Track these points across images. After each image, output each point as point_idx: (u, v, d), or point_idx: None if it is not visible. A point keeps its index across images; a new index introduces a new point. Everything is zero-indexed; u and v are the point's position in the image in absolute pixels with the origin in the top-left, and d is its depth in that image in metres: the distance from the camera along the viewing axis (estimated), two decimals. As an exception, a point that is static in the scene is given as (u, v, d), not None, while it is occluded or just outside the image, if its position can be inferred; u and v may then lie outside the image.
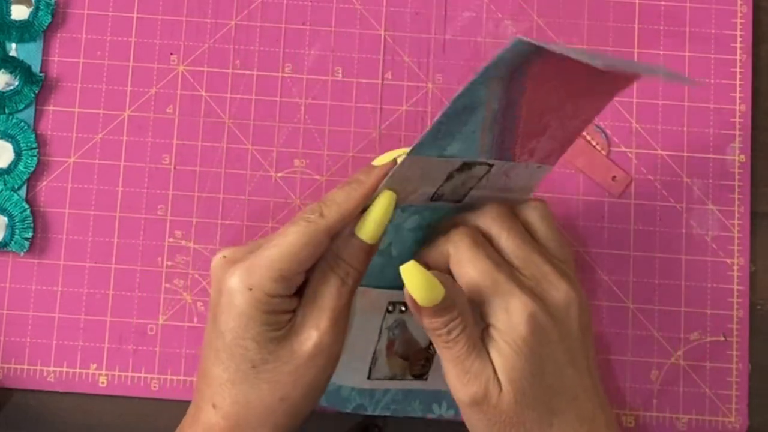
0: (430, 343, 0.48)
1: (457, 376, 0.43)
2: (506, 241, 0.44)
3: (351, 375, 0.49)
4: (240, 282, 0.43)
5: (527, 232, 0.46)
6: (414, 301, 0.42)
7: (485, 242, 0.44)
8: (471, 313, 0.43)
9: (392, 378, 0.49)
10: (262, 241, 0.44)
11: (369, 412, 0.52)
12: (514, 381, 0.42)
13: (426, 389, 0.51)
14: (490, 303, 0.43)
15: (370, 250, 0.44)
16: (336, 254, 0.44)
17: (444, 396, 0.52)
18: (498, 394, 0.42)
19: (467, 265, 0.43)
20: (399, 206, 0.44)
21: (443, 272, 0.44)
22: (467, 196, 0.46)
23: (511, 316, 0.42)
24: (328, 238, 0.43)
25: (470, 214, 0.45)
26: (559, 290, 0.43)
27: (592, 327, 0.46)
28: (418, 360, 0.49)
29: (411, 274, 0.42)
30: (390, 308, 0.48)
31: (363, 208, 0.44)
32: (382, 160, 0.45)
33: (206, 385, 0.44)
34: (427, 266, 0.43)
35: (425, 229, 0.47)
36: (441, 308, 0.42)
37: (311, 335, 0.43)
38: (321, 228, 0.43)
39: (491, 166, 0.44)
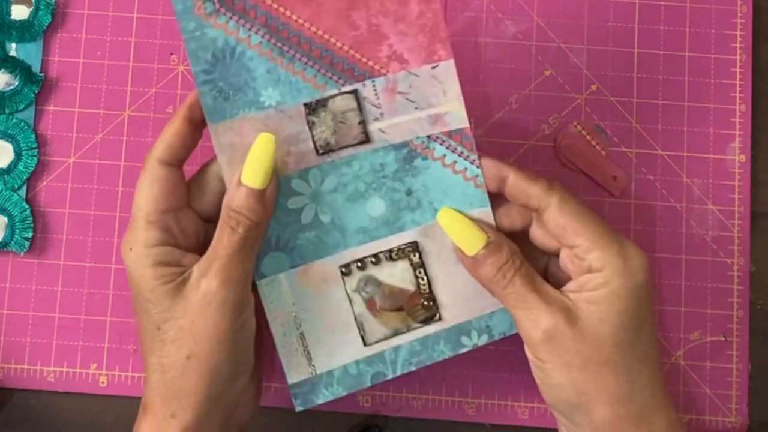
0: (420, 284, 0.48)
1: (525, 316, 0.44)
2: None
3: (345, 350, 0.48)
4: (124, 249, 0.45)
5: None
6: (463, 254, 0.44)
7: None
8: (520, 254, 0.45)
9: (395, 334, 0.48)
10: None
11: (390, 376, 0.49)
12: (610, 318, 0.43)
13: (447, 328, 0.49)
14: (602, 249, 0.43)
15: (260, 195, 0.44)
16: (227, 206, 0.45)
17: (471, 325, 0.48)
18: (576, 323, 0.43)
19: (578, 214, 0.44)
20: (284, 174, 0.46)
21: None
22: (371, 132, 0.46)
23: (628, 262, 0.43)
24: (168, 169, 0.45)
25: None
26: (638, 252, 0.45)
27: None
28: (415, 305, 0.48)
29: (450, 223, 0.45)
30: (344, 270, 0.47)
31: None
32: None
33: (144, 359, 0.45)
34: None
35: (356, 183, 0.47)
36: (489, 253, 0.44)
37: (200, 284, 0.44)
38: (153, 160, 0.45)
39: (354, 92, 0.45)
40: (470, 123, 0.46)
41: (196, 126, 0.46)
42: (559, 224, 0.44)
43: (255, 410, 0.48)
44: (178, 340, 0.44)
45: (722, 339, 0.55)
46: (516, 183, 0.45)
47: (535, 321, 0.43)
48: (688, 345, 0.55)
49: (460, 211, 0.46)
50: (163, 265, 0.44)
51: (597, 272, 0.43)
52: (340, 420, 0.54)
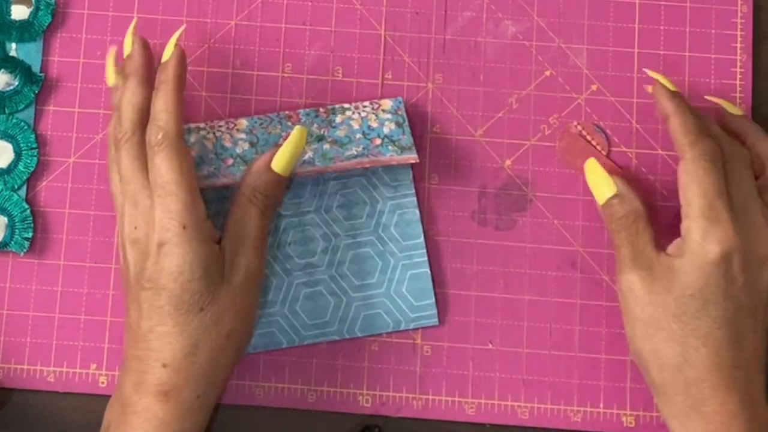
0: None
1: (618, 263, 0.49)
2: (740, 176, 0.48)
3: None
4: (171, 226, 0.45)
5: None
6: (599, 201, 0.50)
7: (721, 167, 0.47)
8: (643, 219, 0.48)
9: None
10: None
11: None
12: (674, 288, 0.46)
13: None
14: (692, 220, 0.46)
15: (284, 181, 0.50)
16: (253, 187, 0.48)
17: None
18: (649, 288, 0.47)
19: (695, 179, 0.46)
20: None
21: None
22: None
23: (705, 241, 0.45)
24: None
25: (753, 132, 0.51)
26: (762, 245, 0.46)
27: None
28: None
29: (590, 171, 0.50)
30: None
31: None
32: (167, 51, 0.50)
33: (147, 349, 0.46)
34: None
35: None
36: (611, 204, 0.49)
37: (241, 263, 0.47)
38: (176, 138, 0.47)
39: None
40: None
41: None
42: (680, 181, 0.47)
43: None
44: (219, 321, 0.46)
45: (722, 339, 0.55)
46: (672, 125, 0.49)
47: (620, 271, 0.48)
48: (688, 345, 0.55)
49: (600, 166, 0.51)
50: (212, 242, 0.46)
51: (685, 239, 0.46)
52: (340, 420, 0.54)
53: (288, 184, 0.54)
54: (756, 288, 0.46)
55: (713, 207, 0.45)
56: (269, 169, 0.49)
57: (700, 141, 0.47)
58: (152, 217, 0.46)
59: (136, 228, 0.47)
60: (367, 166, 0.51)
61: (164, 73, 0.49)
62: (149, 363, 0.45)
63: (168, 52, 0.50)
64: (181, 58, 0.49)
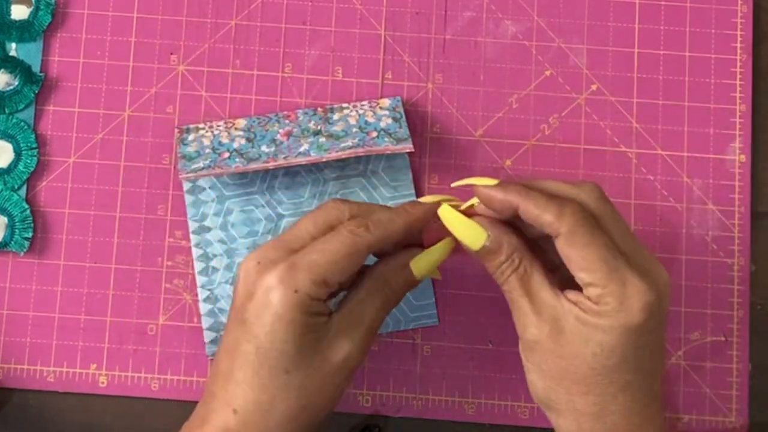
0: None
1: (516, 318, 0.45)
2: (613, 223, 0.44)
3: None
4: (281, 283, 0.43)
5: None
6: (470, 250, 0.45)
7: (597, 225, 0.43)
8: (528, 257, 0.45)
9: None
10: (294, 245, 0.45)
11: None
12: (592, 345, 0.43)
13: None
14: (603, 287, 0.42)
15: (414, 284, 0.47)
16: (385, 278, 0.46)
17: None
18: (560, 337, 0.43)
19: (585, 248, 0.42)
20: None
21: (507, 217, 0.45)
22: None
23: (626, 303, 0.42)
24: (367, 254, 0.45)
25: (571, 188, 0.45)
26: (661, 275, 0.44)
27: None
28: None
29: (450, 219, 0.46)
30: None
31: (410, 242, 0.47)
32: (428, 199, 0.48)
33: (224, 389, 0.44)
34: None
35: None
36: (488, 251, 0.45)
37: (344, 346, 0.44)
38: (365, 243, 0.45)
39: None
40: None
41: (398, 243, 0.47)
42: (564, 255, 0.43)
43: None
44: (303, 390, 0.44)
45: (722, 339, 0.55)
46: (528, 210, 0.43)
47: (523, 326, 0.44)
48: (688, 345, 0.55)
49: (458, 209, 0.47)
50: (316, 315, 0.44)
51: (594, 305, 0.42)
52: (340, 420, 0.54)
53: (289, 185, 0.54)
54: (664, 320, 0.44)
55: (617, 269, 0.42)
56: (407, 266, 0.47)
57: (562, 209, 0.43)
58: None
59: (259, 263, 0.45)
60: (362, 155, 0.51)
61: (413, 206, 0.47)
62: (220, 403, 0.44)
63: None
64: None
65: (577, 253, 0.42)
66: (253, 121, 0.55)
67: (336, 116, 0.54)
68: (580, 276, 0.43)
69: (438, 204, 0.47)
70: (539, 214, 0.43)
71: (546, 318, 0.44)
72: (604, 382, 0.43)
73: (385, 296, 0.46)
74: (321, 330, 0.44)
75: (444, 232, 0.47)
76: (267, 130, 0.54)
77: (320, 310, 0.44)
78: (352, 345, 0.45)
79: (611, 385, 0.43)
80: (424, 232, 0.48)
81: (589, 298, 0.43)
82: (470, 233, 0.45)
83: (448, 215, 0.46)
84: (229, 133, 0.54)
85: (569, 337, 0.43)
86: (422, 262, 0.47)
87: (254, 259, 0.44)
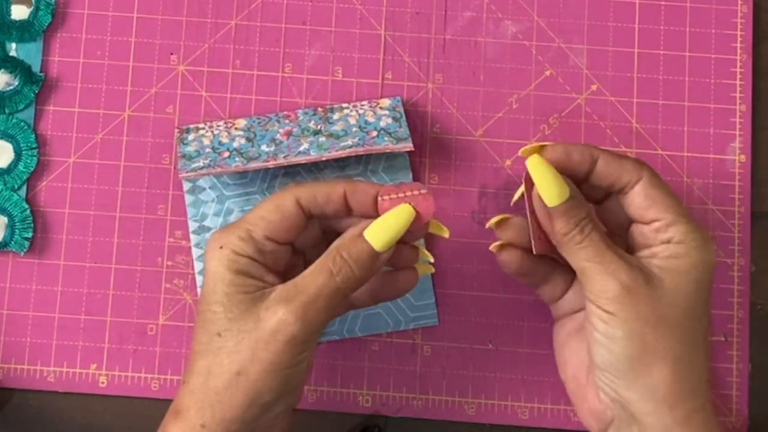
0: None
1: (602, 269, 0.44)
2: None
3: None
4: (212, 243, 0.44)
5: None
6: (544, 209, 0.45)
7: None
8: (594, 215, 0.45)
9: None
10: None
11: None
12: (686, 285, 0.44)
13: None
14: (687, 224, 0.45)
15: (376, 257, 0.44)
16: (337, 247, 0.44)
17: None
18: (651, 283, 0.44)
19: (666, 190, 0.45)
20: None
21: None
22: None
23: (707, 240, 0.45)
24: (299, 212, 0.45)
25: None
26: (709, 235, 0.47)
27: None
28: None
29: (539, 170, 0.44)
30: None
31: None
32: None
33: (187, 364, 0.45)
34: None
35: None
36: (571, 206, 0.44)
37: (278, 310, 0.43)
38: (292, 194, 0.45)
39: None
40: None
41: (347, 207, 0.46)
42: (649, 196, 0.45)
43: None
44: (234, 354, 0.43)
45: (722, 339, 0.55)
46: (609, 160, 0.45)
47: (613, 274, 0.44)
48: (688, 345, 0.55)
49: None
50: (246, 276, 0.44)
51: (677, 244, 0.44)
52: (340, 420, 0.54)
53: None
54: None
55: (691, 219, 0.45)
56: (362, 237, 0.44)
57: (638, 163, 0.46)
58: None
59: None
60: (362, 153, 0.51)
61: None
62: (183, 379, 0.45)
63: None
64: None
65: (661, 194, 0.45)
66: (253, 121, 0.55)
67: (336, 116, 0.54)
68: (665, 216, 0.45)
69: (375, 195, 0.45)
70: (622, 163, 0.45)
71: (635, 266, 0.44)
72: (697, 327, 0.45)
73: (336, 266, 0.43)
74: (256, 293, 0.43)
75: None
76: (267, 130, 0.54)
77: (251, 271, 0.44)
78: (287, 311, 0.42)
79: (700, 331, 0.45)
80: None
81: (669, 242, 0.44)
82: (558, 185, 0.44)
83: (539, 165, 0.45)
84: (229, 133, 0.54)
85: (660, 284, 0.44)
86: (377, 230, 0.44)
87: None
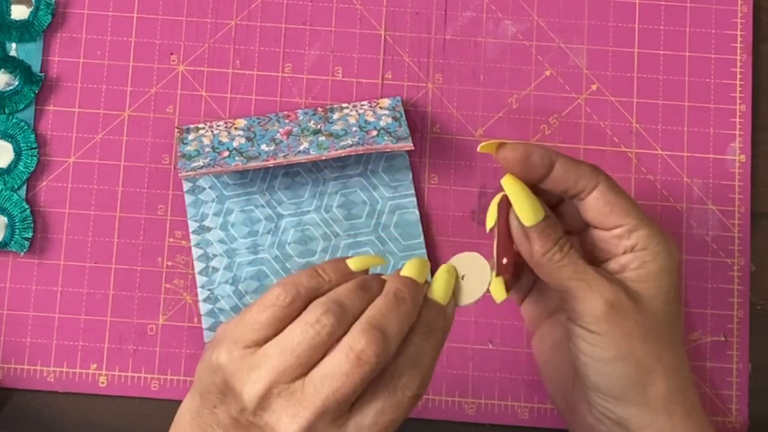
0: None
1: (584, 287, 0.43)
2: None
3: None
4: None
5: None
6: (521, 229, 0.44)
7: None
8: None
9: None
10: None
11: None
12: (660, 293, 0.44)
13: None
14: (648, 228, 0.45)
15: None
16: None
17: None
18: (631, 296, 0.44)
19: (624, 196, 0.45)
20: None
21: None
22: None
23: (669, 241, 0.45)
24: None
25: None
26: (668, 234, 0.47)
27: None
28: None
29: (515, 189, 0.44)
30: None
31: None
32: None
33: None
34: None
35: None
36: (548, 224, 0.44)
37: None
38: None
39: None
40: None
41: None
42: (608, 202, 0.44)
43: None
44: None
45: (722, 339, 0.55)
46: (565, 165, 0.44)
47: (597, 292, 0.43)
48: (688, 345, 0.55)
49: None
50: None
51: (641, 251, 0.44)
52: (340, 420, 0.54)
53: (289, 185, 0.54)
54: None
55: (650, 221, 0.45)
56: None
57: (594, 168, 0.45)
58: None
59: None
60: (362, 152, 0.51)
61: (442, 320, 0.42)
62: None
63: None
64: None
65: (620, 199, 0.44)
66: (253, 121, 0.55)
67: (336, 116, 0.54)
68: (626, 221, 0.44)
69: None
70: (578, 166, 0.45)
71: (615, 281, 0.44)
72: (677, 331, 0.45)
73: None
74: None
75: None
76: (267, 130, 0.54)
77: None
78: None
79: (679, 333, 0.45)
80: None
81: (632, 249, 0.44)
82: (533, 204, 0.44)
83: (514, 185, 0.44)
84: (229, 133, 0.54)
85: (639, 291, 0.44)
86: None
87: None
